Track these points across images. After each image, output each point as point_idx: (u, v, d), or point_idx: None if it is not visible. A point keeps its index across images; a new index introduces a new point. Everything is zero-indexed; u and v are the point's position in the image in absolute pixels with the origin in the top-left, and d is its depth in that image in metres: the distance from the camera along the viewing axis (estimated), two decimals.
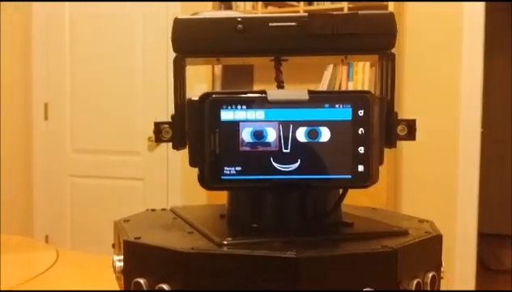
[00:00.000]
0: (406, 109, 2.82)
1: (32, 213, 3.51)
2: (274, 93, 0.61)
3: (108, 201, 3.33)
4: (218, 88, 2.89)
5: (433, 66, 2.79)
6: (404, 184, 2.85)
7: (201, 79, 2.89)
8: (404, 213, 0.78)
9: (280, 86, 0.71)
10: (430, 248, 0.64)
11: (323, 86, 2.83)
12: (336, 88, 2.80)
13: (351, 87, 2.76)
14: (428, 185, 2.80)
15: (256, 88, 3.01)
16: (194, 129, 0.62)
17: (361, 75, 2.76)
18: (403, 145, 2.84)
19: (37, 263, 1.53)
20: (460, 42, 2.72)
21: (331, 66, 2.80)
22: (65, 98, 3.43)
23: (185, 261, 0.56)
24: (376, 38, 0.66)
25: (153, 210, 0.82)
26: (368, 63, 2.74)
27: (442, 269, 0.65)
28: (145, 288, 0.59)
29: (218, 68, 2.91)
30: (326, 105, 0.61)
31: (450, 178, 2.76)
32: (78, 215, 3.43)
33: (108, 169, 3.38)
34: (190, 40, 0.66)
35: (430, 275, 0.61)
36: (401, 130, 0.67)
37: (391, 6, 2.62)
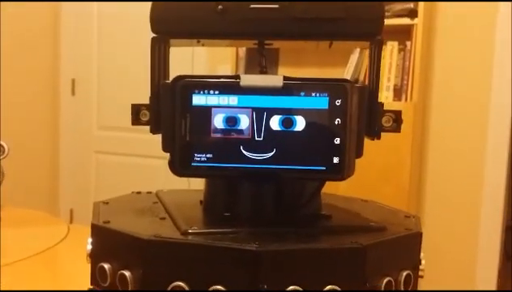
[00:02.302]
0: (434, 108, 2.75)
1: (58, 188, 3.57)
2: (247, 79, 0.59)
3: (132, 178, 3.36)
4: (241, 70, 2.86)
5: (464, 68, 2.70)
6: (429, 173, 2.79)
7: (225, 60, 2.87)
8: (394, 207, 0.75)
9: (263, 71, 0.69)
10: (406, 246, 0.61)
11: (349, 70, 2.78)
12: (362, 73, 2.75)
13: None
14: (454, 175, 2.73)
15: (281, 70, 2.97)
16: (166, 113, 0.61)
17: (389, 60, 2.69)
18: (430, 137, 2.77)
19: (46, 238, 1.55)
20: (493, 43, 2.62)
21: (358, 50, 2.74)
22: (92, 74, 3.46)
23: (145, 248, 0.55)
24: (361, 23, 0.63)
25: (138, 193, 0.81)
26: (396, 47, 2.68)
27: (421, 267, 0.62)
28: (108, 273, 0.58)
29: (242, 50, 2.88)
30: (302, 93, 0.58)
31: (476, 170, 2.69)
32: (102, 190, 3.47)
33: (132, 147, 3.41)
34: (169, 21, 0.64)
35: (404, 274, 0.59)
36: (386, 121, 0.64)
37: (421, 5, 2.53)
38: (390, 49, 2.66)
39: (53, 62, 3.49)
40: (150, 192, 0.81)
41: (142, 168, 3.36)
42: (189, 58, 3.12)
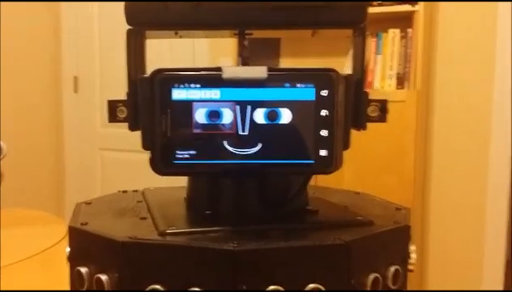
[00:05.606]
0: (438, 95, 2.70)
1: (64, 186, 3.57)
2: (230, 71, 0.56)
3: (138, 174, 3.34)
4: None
5: (467, 54, 2.66)
6: (434, 162, 2.75)
7: (226, 53, 2.84)
8: (385, 199, 0.72)
9: (245, 62, 0.67)
10: (394, 240, 0.58)
11: (351, 59, 2.74)
12: (364, 62, 2.71)
13: (379, 60, 2.67)
14: (459, 163, 2.70)
15: (282, 61, 2.94)
16: (145, 109, 0.58)
17: (391, 48, 2.65)
18: (435, 125, 2.73)
19: (44, 238, 1.53)
20: (495, 28, 2.57)
21: None
22: (94, 71, 3.44)
23: (119, 251, 0.53)
24: (344, 11, 0.60)
25: (125, 191, 0.79)
26: (398, 34, 2.64)
27: (411, 261, 0.60)
28: (85, 277, 0.56)
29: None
30: (287, 85, 0.56)
31: (481, 158, 2.65)
32: (108, 187, 3.46)
33: (137, 143, 3.39)
34: (144, 13, 0.62)
35: (393, 269, 0.56)
36: (372, 111, 0.62)
37: (421, 6, 2.49)
38: (392, 37, 2.62)
39: (55, 59, 3.48)
40: (136, 191, 0.79)
41: (147, 163, 3.34)
42: (191, 51, 3.09)
